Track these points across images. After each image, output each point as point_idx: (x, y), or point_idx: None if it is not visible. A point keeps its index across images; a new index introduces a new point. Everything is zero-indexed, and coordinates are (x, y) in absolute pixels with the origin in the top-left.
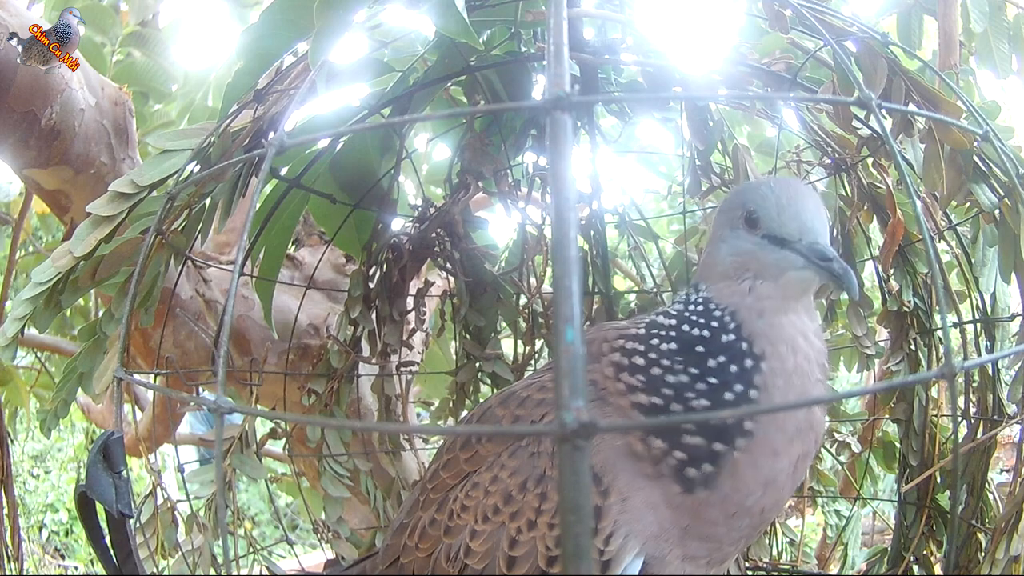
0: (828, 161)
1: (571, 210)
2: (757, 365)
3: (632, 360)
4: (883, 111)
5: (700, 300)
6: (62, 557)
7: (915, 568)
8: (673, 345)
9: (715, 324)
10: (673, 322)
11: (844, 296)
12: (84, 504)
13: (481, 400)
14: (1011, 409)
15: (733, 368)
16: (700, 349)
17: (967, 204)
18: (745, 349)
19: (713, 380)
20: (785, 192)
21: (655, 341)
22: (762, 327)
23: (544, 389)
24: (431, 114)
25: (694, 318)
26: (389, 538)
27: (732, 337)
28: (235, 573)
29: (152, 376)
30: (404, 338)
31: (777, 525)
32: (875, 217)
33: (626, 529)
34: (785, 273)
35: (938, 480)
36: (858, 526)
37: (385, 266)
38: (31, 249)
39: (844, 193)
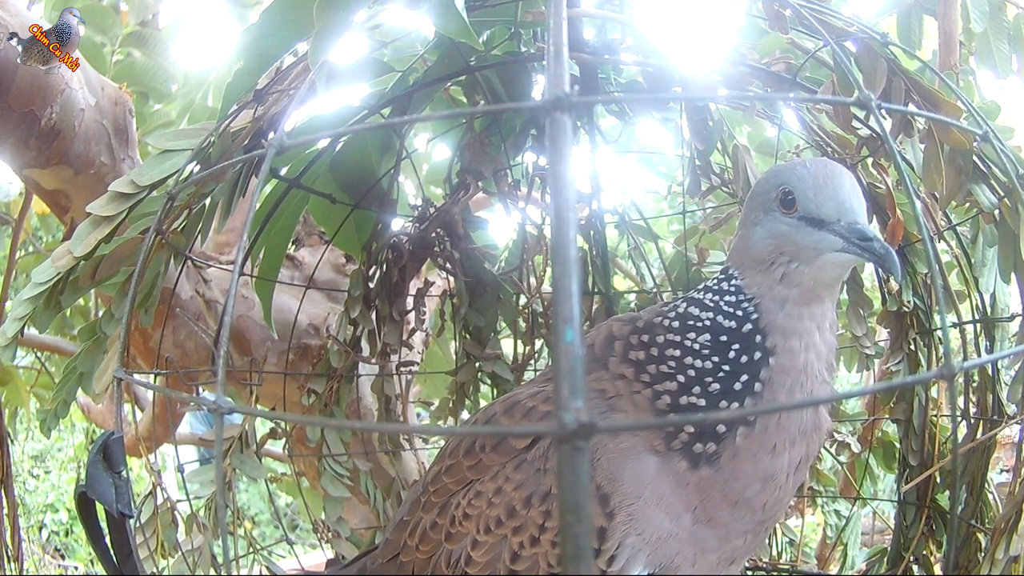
0: None
1: (571, 211)
2: (765, 359)
3: (665, 352)
4: (883, 111)
5: (733, 289)
6: (62, 557)
7: (915, 568)
8: (707, 336)
9: (740, 314)
10: (709, 314)
11: (844, 295)
12: (84, 504)
13: (480, 400)
14: (1011, 409)
15: (744, 359)
16: (724, 339)
17: (967, 204)
18: (758, 342)
19: (727, 368)
20: (822, 172)
21: (692, 335)
22: (780, 320)
23: (549, 400)
24: (431, 115)
25: (728, 309)
26: (389, 533)
27: (750, 327)
28: (235, 573)
29: (152, 376)
30: (404, 338)
31: (777, 525)
32: (875, 217)
33: (633, 542)
34: (822, 255)
35: (938, 480)
36: (858, 526)
37: (385, 266)
38: (31, 249)
39: None
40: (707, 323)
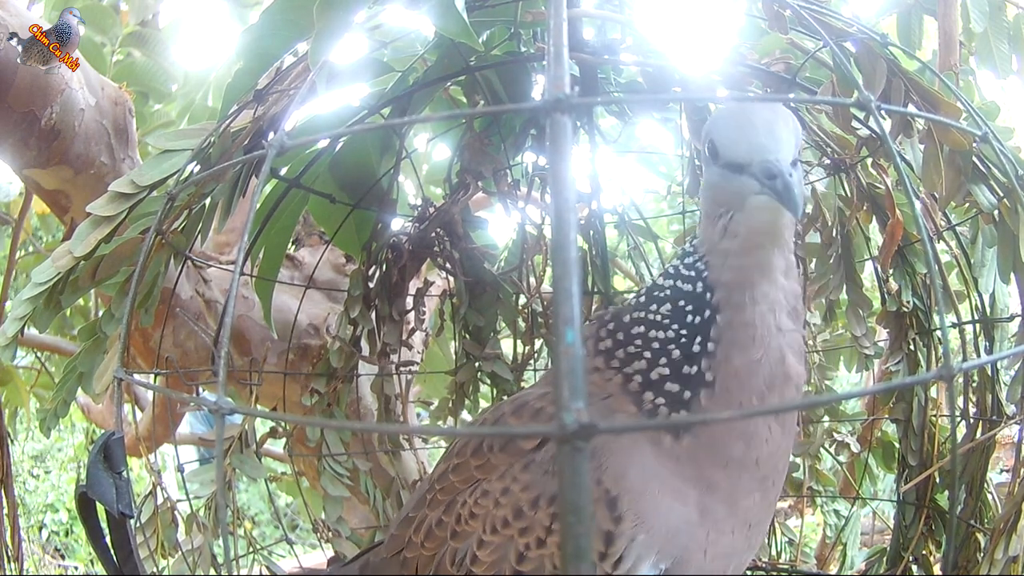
0: (827, 161)
1: (571, 212)
2: (713, 316)
3: (631, 331)
4: (882, 112)
5: (691, 250)
6: (62, 557)
7: (914, 568)
8: (668, 306)
9: (693, 274)
10: (671, 281)
11: (844, 296)
12: (85, 504)
13: (480, 400)
14: (1010, 409)
15: (697, 319)
16: (682, 302)
17: (966, 205)
18: (708, 299)
19: (684, 332)
20: (736, 112)
21: (654, 306)
22: (725, 275)
23: None
24: (432, 116)
25: (685, 272)
26: (394, 528)
27: (701, 286)
28: (235, 573)
29: (152, 376)
30: (404, 338)
31: (776, 525)
32: (875, 217)
33: (643, 540)
34: (746, 201)
35: (937, 480)
36: (857, 526)
37: (385, 266)
38: (31, 249)
39: (843, 193)
40: (668, 292)
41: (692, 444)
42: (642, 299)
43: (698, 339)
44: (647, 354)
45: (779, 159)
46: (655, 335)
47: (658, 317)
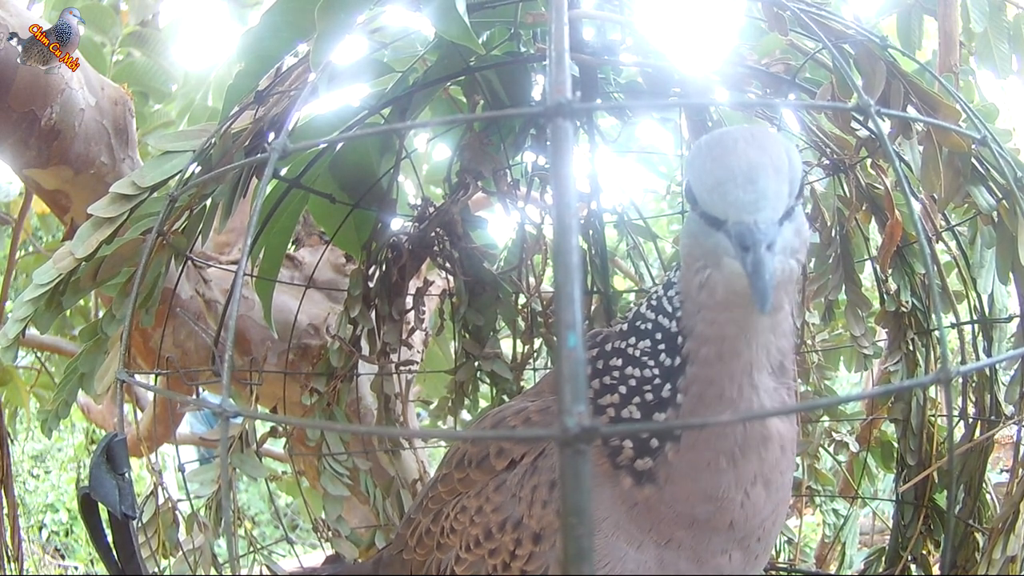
0: (827, 162)
1: (573, 217)
2: (682, 366)
3: (609, 362)
4: (881, 116)
5: (676, 280)
6: (62, 557)
7: (912, 568)
8: (647, 342)
9: (670, 310)
10: (653, 314)
11: (843, 295)
12: (87, 506)
13: (480, 400)
14: (1008, 410)
15: (669, 363)
16: (659, 336)
17: (965, 206)
18: (679, 345)
19: (658, 373)
20: (718, 152)
21: (633, 339)
22: (698, 325)
23: (530, 421)
24: (434, 120)
25: (667, 307)
26: (401, 527)
27: (675, 329)
28: (237, 573)
29: (153, 376)
30: (403, 337)
31: None
32: (874, 217)
33: None
34: (722, 261)
35: (936, 480)
36: (856, 525)
37: (384, 265)
38: (31, 249)
39: (843, 193)
40: (649, 325)
41: (654, 495)
42: (625, 327)
43: (668, 386)
44: (622, 389)
45: (758, 221)
46: (631, 372)
47: (636, 352)
